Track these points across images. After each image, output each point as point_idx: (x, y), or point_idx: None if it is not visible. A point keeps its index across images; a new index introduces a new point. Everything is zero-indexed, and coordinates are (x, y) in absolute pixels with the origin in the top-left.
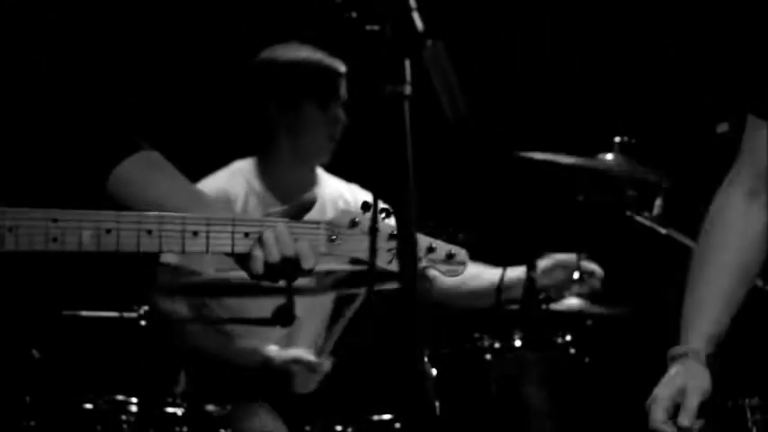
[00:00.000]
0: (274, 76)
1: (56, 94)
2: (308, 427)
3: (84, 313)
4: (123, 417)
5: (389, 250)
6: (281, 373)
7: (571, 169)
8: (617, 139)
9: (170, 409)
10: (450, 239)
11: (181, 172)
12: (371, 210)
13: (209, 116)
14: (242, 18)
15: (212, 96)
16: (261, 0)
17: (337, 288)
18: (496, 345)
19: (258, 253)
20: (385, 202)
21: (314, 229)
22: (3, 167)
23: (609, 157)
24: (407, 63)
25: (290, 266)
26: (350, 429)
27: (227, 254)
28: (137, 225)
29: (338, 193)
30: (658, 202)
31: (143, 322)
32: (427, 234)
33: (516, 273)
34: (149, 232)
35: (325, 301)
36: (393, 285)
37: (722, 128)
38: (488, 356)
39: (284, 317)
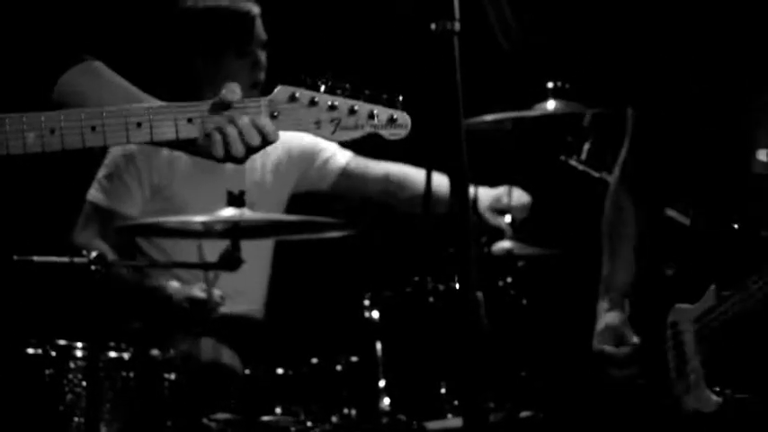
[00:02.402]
0: (190, 29)
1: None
2: (247, 370)
3: (36, 258)
4: (71, 362)
5: (332, 121)
6: (180, 308)
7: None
8: (550, 84)
9: (116, 354)
10: (390, 104)
11: None
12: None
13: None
14: None
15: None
16: None
17: (279, 234)
18: (440, 287)
19: (218, 137)
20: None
21: (256, 107)
22: None
23: (549, 104)
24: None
25: (253, 152)
26: (290, 372)
27: (171, 142)
28: (79, 122)
29: None
30: (586, 146)
31: (93, 267)
32: (366, 101)
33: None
34: (93, 128)
35: (268, 248)
36: (338, 233)
37: None
38: (431, 299)
39: (231, 261)
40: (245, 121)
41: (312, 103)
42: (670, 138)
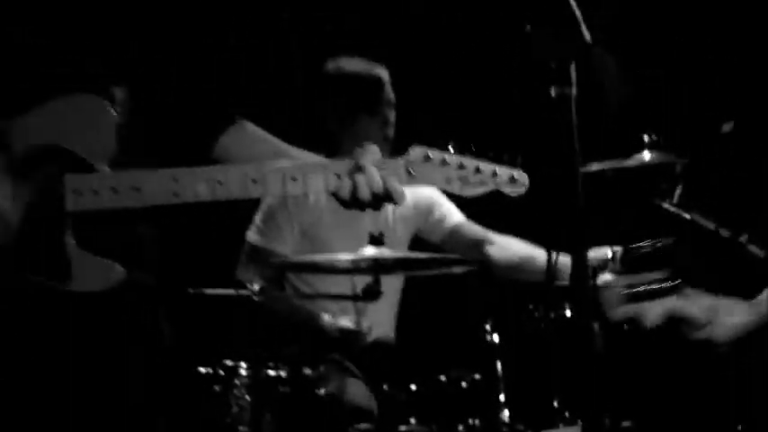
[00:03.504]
0: (329, 92)
1: (173, 81)
2: (385, 386)
3: (207, 291)
4: (236, 380)
5: (460, 178)
6: (332, 337)
7: (611, 171)
8: (645, 138)
9: (274, 372)
10: (511, 164)
11: None
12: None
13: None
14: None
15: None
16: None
17: (411, 269)
18: (551, 315)
19: (347, 182)
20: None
21: (393, 168)
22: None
23: (645, 155)
24: (573, 67)
25: (378, 200)
26: (422, 388)
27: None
28: (244, 176)
29: None
30: (678, 190)
31: (256, 298)
32: (490, 161)
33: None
34: (254, 181)
35: (397, 281)
36: (460, 269)
37: (727, 127)
38: (542, 325)
39: (372, 293)
40: (371, 169)
41: (443, 162)
42: None
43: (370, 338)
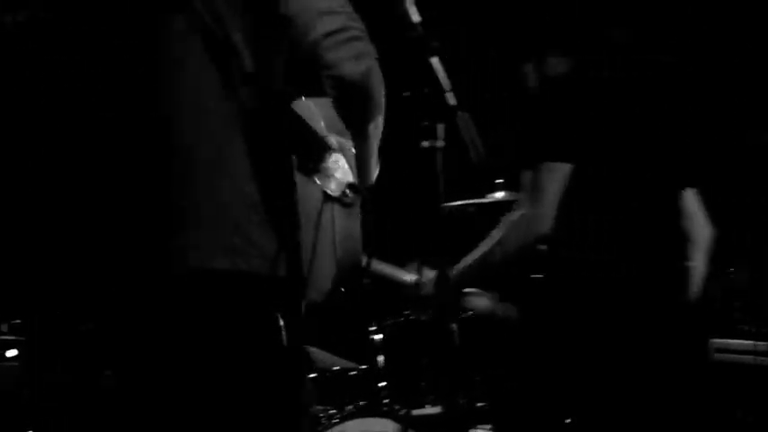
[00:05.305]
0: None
1: None
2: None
3: None
4: None
5: None
6: None
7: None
8: (498, 180)
9: None
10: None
11: None
12: None
13: None
14: None
15: None
16: None
17: None
18: (422, 318)
19: None
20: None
21: None
22: None
23: (497, 194)
24: (441, 126)
25: None
26: (321, 377)
27: None
28: None
29: None
30: None
31: None
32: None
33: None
34: None
35: None
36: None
37: None
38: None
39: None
40: None
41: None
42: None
43: None
